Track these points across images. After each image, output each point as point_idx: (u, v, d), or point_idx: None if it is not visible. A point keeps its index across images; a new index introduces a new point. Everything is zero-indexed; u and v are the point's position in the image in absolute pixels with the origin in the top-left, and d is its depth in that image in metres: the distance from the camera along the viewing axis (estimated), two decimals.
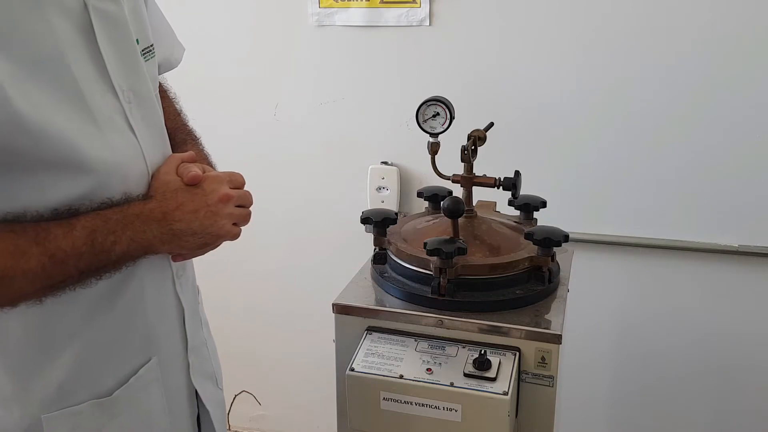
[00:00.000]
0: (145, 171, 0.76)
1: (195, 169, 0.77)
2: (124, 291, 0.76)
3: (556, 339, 0.88)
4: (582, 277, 1.16)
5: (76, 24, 0.68)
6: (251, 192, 0.82)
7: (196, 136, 0.94)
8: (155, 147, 0.78)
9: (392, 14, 1.46)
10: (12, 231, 0.64)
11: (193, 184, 0.76)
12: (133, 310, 0.77)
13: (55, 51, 0.66)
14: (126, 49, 0.75)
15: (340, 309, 0.96)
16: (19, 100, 0.62)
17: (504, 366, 0.87)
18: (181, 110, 0.97)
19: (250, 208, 0.82)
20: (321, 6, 1.49)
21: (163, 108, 0.87)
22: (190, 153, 0.82)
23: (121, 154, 0.72)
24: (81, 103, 0.68)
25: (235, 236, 0.79)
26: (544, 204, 1.10)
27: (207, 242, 0.77)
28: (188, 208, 0.73)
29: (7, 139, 0.62)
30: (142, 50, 0.79)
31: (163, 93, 0.94)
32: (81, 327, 0.73)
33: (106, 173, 0.70)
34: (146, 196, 0.74)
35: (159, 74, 0.93)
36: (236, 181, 0.80)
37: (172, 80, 1.46)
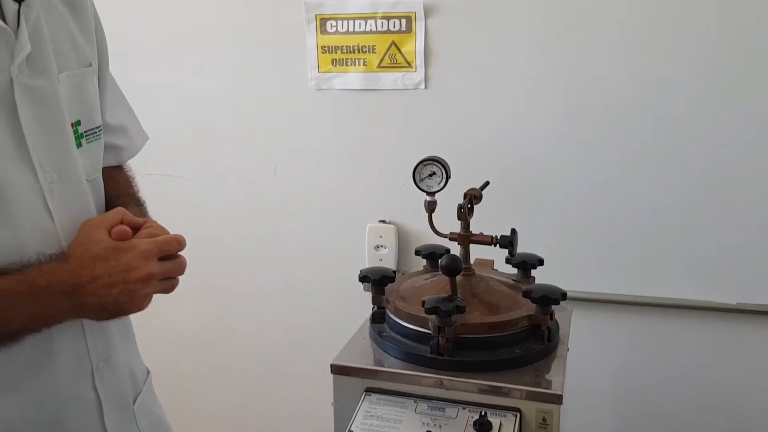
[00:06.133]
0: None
1: (125, 228, 0.71)
2: (34, 378, 0.72)
3: (557, 399, 0.87)
4: (581, 335, 1.15)
5: None
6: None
7: (140, 201, 0.90)
8: (77, 230, 0.72)
9: (389, 78, 1.51)
10: None
11: (121, 239, 0.69)
12: (43, 399, 0.73)
13: None
14: (53, 127, 0.71)
15: (339, 370, 0.95)
16: None
17: (505, 428, 0.85)
18: (133, 179, 0.94)
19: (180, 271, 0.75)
20: (320, 71, 1.54)
21: (115, 178, 0.86)
22: (140, 220, 0.75)
23: (28, 236, 0.67)
24: None
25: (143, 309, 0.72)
26: (541, 262, 1.10)
27: (115, 316, 0.72)
28: (103, 282, 0.66)
29: None
30: (86, 131, 0.77)
31: (120, 169, 0.92)
32: None
33: (8, 255, 0.65)
34: (61, 257, 0.68)
35: (122, 161, 0.91)
36: (169, 250, 0.72)
37: (179, 137, 1.50)
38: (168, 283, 0.74)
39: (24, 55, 0.68)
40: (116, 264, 0.67)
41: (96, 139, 0.79)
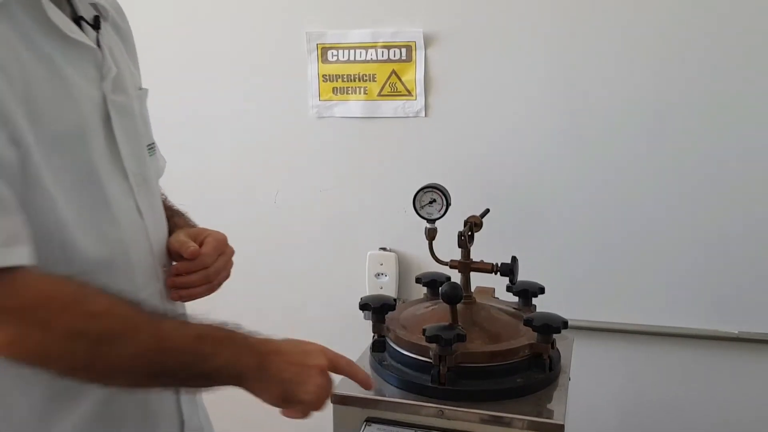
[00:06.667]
0: (148, 248, 0.82)
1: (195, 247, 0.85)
2: None
3: (559, 429, 0.86)
4: (583, 364, 1.15)
5: (97, 110, 0.76)
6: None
7: (182, 211, 1.01)
8: (158, 227, 0.86)
9: (389, 106, 1.53)
10: (127, 304, 0.68)
11: (193, 257, 0.84)
12: None
13: (78, 129, 0.73)
14: (135, 138, 0.83)
15: (339, 399, 0.94)
16: (43, 169, 0.67)
17: None
18: (165, 195, 1.02)
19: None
20: (321, 99, 1.56)
21: None
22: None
23: (125, 230, 0.78)
24: (95, 182, 0.74)
25: (308, 410, 0.78)
26: (542, 290, 1.10)
27: (286, 398, 0.77)
28: (285, 359, 0.75)
29: (27, 198, 0.66)
30: (147, 145, 0.87)
31: None
32: (82, 399, 0.74)
33: (110, 246, 0.75)
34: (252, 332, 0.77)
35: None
36: (340, 369, 0.82)
37: (179, 164, 1.50)
38: (326, 395, 0.79)
39: (113, 73, 0.78)
40: (298, 348, 0.78)
41: (153, 153, 0.90)
